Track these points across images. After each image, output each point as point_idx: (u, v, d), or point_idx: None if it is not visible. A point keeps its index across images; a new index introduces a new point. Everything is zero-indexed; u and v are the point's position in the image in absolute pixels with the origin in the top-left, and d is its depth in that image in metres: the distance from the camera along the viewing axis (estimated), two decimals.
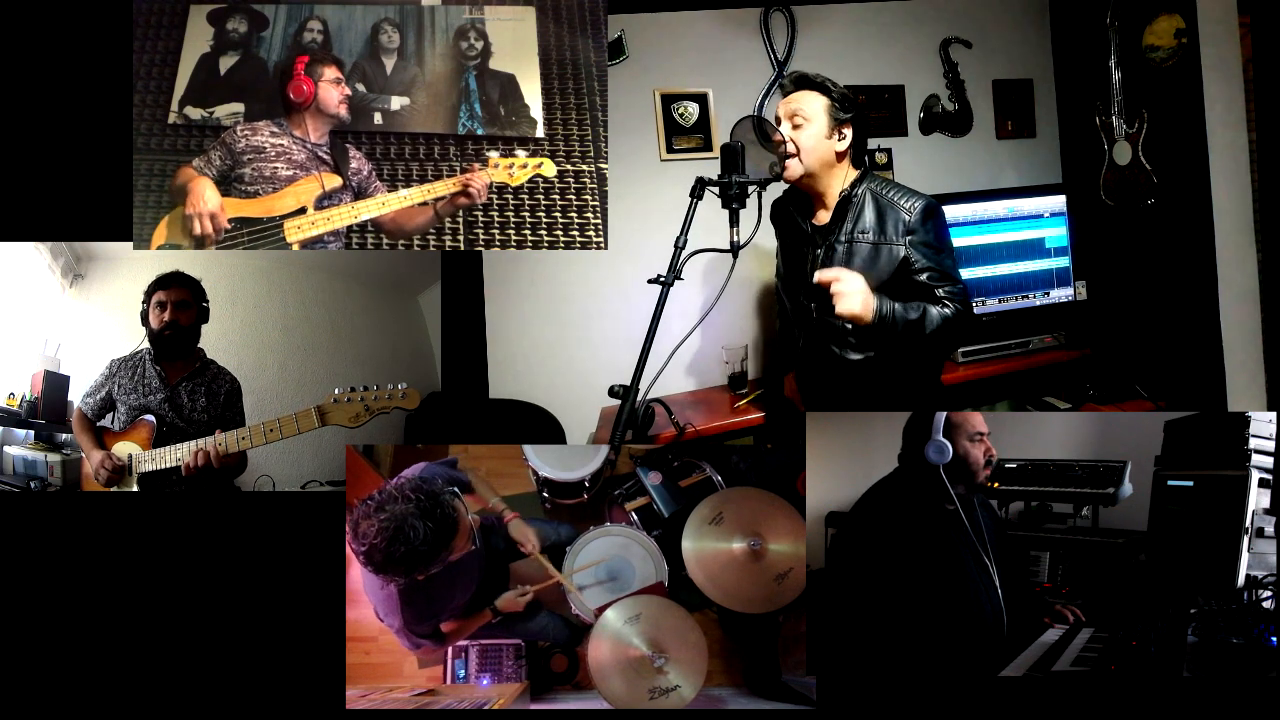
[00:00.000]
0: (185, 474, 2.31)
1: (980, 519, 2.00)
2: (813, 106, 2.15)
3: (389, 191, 2.44)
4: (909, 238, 2.14)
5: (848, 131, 2.18)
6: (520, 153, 2.45)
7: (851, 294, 2.02)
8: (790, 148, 2.15)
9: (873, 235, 2.16)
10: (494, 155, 2.44)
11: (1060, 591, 2.26)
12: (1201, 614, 1.95)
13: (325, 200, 2.36)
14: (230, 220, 2.32)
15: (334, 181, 2.37)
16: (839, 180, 2.21)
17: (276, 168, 2.34)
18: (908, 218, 2.14)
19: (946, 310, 2.10)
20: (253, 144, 2.35)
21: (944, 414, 1.99)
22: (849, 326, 2.14)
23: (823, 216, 2.24)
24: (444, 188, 2.39)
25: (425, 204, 2.40)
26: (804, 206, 2.28)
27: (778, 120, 2.19)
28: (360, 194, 2.42)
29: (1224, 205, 2.58)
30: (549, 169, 2.44)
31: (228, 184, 2.35)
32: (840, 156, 2.19)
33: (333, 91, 2.37)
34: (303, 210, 2.34)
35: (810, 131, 2.15)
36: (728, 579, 2.19)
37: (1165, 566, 2.09)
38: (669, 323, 2.02)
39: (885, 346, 2.17)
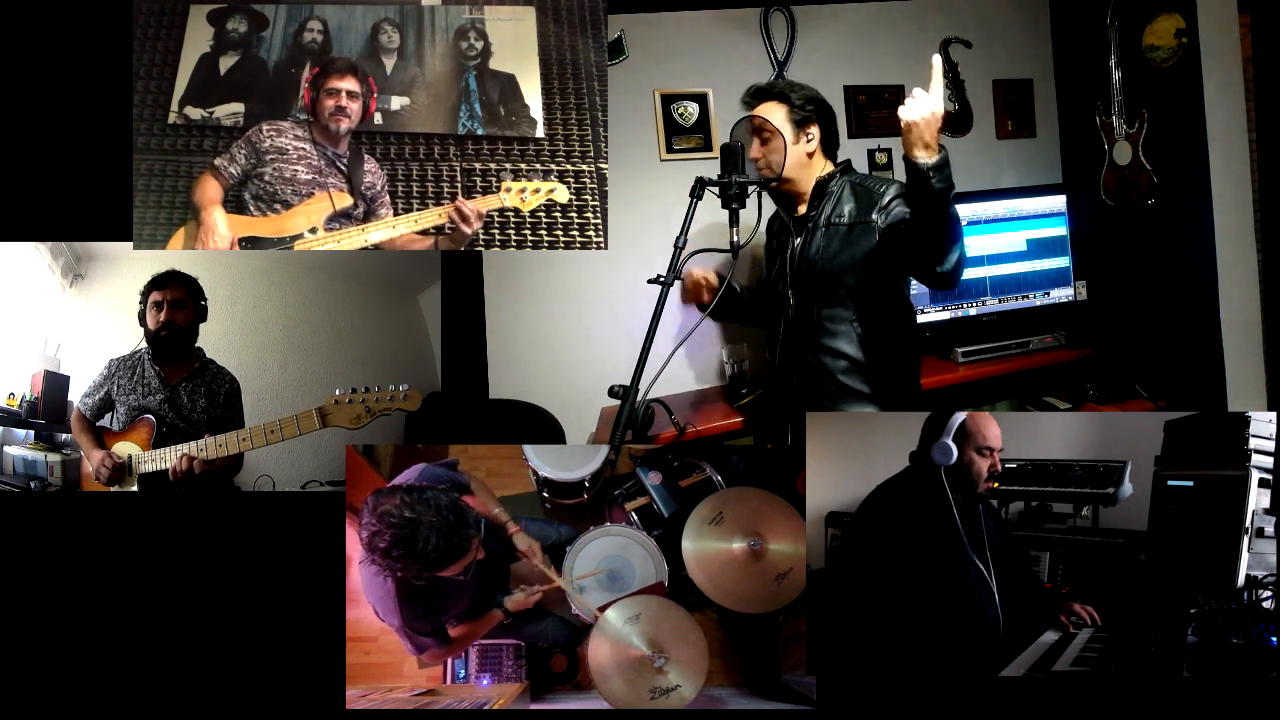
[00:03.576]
0: (172, 479, 2.31)
1: (982, 521, 2.00)
2: (775, 117, 2.22)
3: (393, 208, 2.44)
4: (892, 205, 2.12)
5: (813, 130, 2.24)
6: (535, 179, 2.45)
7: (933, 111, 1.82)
8: (762, 164, 2.21)
9: (849, 218, 2.19)
10: (507, 180, 2.45)
11: (1060, 591, 2.26)
12: (1201, 614, 1.95)
13: (335, 221, 2.37)
14: (242, 239, 2.33)
15: (344, 201, 2.38)
16: (815, 174, 2.26)
17: (296, 170, 2.36)
18: (888, 194, 2.15)
19: None
20: (277, 145, 2.36)
21: (962, 417, 1.99)
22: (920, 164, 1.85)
23: (802, 209, 2.29)
24: (439, 215, 2.40)
25: (428, 232, 2.42)
26: (788, 204, 2.33)
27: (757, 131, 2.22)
28: (369, 208, 2.42)
29: (1224, 205, 2.58)
30: (561, 195, 2.44)
31: (247, 181, 2.35)
32: (811, 155, 2.25)
33: (344, 122, 2.37)
34: (313, 230, 2.36)
35: (777, 144, 2.20)
36: (728, 579, 2.19)
37: (1165, 566, 2.09)
38: (669, 323, 2.01)
39: (926, 215, 1.94)
